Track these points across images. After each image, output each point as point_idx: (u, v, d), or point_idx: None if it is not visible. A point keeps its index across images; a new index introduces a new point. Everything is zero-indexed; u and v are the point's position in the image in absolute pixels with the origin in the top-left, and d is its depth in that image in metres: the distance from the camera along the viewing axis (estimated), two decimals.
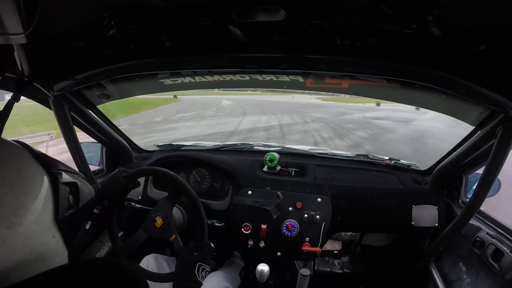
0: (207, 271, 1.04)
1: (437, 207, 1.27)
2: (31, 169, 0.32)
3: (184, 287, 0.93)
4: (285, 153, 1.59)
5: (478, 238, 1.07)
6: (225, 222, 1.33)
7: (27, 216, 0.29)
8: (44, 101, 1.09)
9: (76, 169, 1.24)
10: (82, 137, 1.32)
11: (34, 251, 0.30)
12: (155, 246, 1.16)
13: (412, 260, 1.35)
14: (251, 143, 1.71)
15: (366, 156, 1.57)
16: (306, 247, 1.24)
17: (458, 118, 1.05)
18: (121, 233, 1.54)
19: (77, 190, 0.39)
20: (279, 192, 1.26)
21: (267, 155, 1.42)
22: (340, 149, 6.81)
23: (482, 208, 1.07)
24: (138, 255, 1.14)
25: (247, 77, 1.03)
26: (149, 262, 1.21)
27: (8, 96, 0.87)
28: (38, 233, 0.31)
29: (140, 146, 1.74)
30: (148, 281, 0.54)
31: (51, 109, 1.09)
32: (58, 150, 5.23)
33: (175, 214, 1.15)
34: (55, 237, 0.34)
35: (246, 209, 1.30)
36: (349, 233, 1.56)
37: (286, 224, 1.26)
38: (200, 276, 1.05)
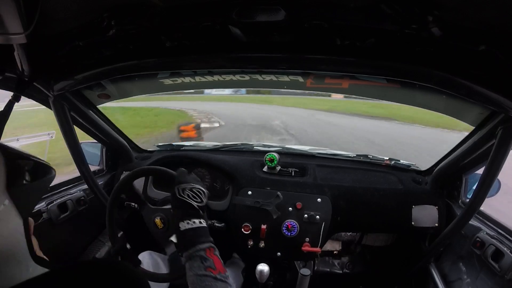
0: (194, 189, 0.92)
1: (437, 207, 1.27)
2: None
3: (181, 285, 0.92)
4: (285, 153, 1.58)
5: (478, 239, 1.07)
6: (225, 222, 1.33)
7: None
8: (44, 101, 1.09)
9: (76, 169, 1.24)
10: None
11: None
12: (154, 244, 1.16)
13: (412, 260, 1.35)
14: (251, 143, 1.71)
15: (366, 156, 1.57)
16: (306, 247, 1.24)
17: (458, 119, 1.05)
18: (121, 233, 1.54)
19: (34, 168, 0.46)
20: (279, 192, 1.25)
21: (267, 155, 1.42)
22: None
23: (482, 208, 1.07)
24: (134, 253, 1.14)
25: (247, 77, 1.03)
26: (144, 258, 1.20)
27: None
28: None
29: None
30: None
31: (51, 109, 1.09)
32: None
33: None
34: (6, 204, 0.40)
35: (246, 209, 1.30)
36: (349, 233, 1.56)
37: (286, 224, 1.26)
38: (187, 196, 0.90)
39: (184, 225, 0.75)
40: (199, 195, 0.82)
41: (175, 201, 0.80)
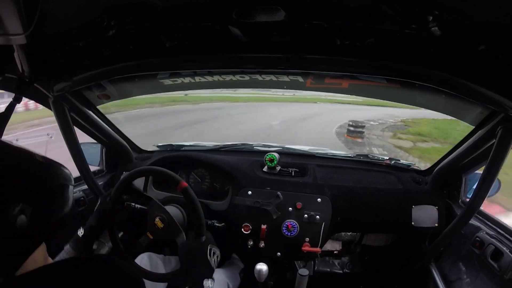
0: (218, 256, 1.07)
1: (437, 207, 1.27)
2: None
3: (180, 286, 0.93)
4: (285, 153, 1.58)
5: (477, 238, 1.07)
6: (225, 222, 1.33)
7: None
8: (44, 102, 1.09)
9: (77, 169, 1.24)
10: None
11: None
12: (153, 246, 1.16)
13: (412, 260, 1.35)
14: (251, 143, 1.71)
15: (366, 156, 1.57)
16: (306, 247, 1.24)
17: (458, 118, 1.05)
18: (121, 233, 1.54)
19: None
20: (279, 192, 1.25)
21: (267, 155, 1.42)
22: None
23: (482, 208, 1.07)
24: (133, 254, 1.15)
25: (247, 77, 1.03)
26: (142, 260, 1.21)
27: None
28: None
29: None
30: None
31: (51, 109, 1.09)
32: None
33: (175, 213, 1.14)
34: None
35: (246, 209, 1.30)
36: (349, 233, 1.56)
37: (286, 224, 1.26)
38: (213, 260, 1.04)
39: (207, 284, 0.99)
40: (217, 261, 1.03)
41: (203, 256, 0.98)
